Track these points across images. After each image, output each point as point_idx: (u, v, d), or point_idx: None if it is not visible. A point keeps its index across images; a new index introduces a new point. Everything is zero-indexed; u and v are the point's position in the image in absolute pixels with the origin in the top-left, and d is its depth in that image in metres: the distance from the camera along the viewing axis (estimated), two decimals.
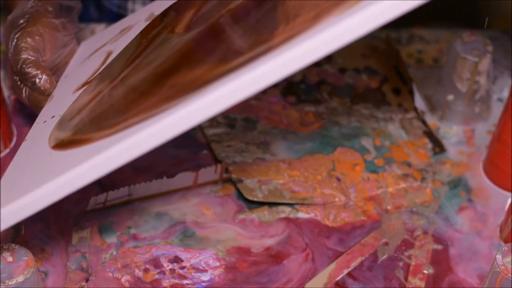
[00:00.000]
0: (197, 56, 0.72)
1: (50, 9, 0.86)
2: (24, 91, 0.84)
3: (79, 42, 0.99)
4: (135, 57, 0.78)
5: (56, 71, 0.86)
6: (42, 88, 0.82)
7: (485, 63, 0.90)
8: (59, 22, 0.86)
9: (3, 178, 0.74)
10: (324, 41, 0.62)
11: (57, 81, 0.85)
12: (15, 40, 0.82)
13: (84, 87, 0.79)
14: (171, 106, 0.66)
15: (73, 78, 0.84)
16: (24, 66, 0.82)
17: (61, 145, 0.72)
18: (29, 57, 0.82)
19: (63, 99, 0.80)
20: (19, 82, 0.84)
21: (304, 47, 0.62)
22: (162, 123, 0.65)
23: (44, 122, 0.79)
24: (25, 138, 0.79)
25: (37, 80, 0.82)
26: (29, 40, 0.82)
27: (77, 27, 0.90)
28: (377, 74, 0.99)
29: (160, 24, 0.81)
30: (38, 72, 0.82)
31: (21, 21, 0.84)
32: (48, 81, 0.82)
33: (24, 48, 0.82)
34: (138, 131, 0.66)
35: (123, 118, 0.69)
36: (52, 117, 0.78)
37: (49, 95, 0.84)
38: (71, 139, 0.72)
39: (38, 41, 0.83)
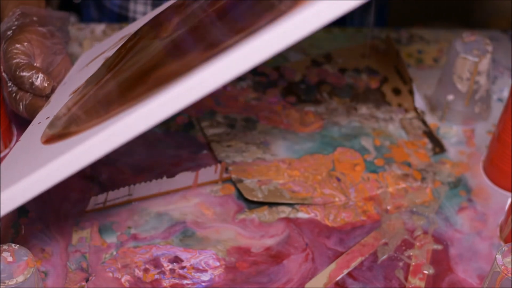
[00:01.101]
0: (181, 49, 0.73)
1: (35, 19, 0.86)
2: (21, 103, 0.84)
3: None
4: (116, 62, 0.79)
5: None
6: (40, 87, 0.82)
7: (485, 63, 0.90)
8: (46, 30, 0.86)
9: None
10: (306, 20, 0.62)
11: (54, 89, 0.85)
12: (5, 49, 0.83)
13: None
14: (154, 94, 0.66)
15: (70, 84, 0.84)
16: (18, 70, 0.82)
17: (51, 139, 0.73)
18: (21, 60, 0.82)
19: (58, 103, 0.81)
20: (14, 94, 0.84)
21: (287, 25, 0.62)
22: (145, 109, 0.66)
23: (39, 123, 0.79)
24: (19, 139, 0.79)
25: (34, 80, 0.82)
26: (18, 46, 0.83)
27: (68, 37, 0.90)
28: (377, 74, 0.99)
29: (135, 37, 0.82)
30: (33, 72, 0.82)
31: (8, 33, 0.84)
32: (46, 79, 0.82)
33: (14, 54, 0.82)
34: (120, 119, 0.67)
35: (109, 109, 0.70)
36: (47, 118, 0.79)
37: (48, 96, 0.84)
38: (60, 133, 0.73)
39: (27, 47, 0.83)
